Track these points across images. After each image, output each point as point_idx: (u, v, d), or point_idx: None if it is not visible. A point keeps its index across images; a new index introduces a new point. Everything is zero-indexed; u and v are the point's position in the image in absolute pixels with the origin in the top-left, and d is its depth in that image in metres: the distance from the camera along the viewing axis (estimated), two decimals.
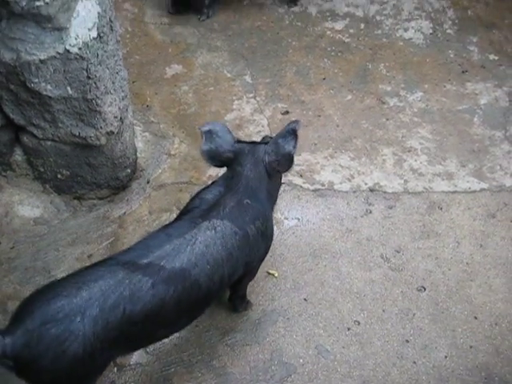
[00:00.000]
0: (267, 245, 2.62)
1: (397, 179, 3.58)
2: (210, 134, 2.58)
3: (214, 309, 2.91)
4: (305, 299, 3.00)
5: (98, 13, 2.81)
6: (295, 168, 3.51)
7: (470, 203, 3.46)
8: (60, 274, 2.94)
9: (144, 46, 4.45)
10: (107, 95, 2.97)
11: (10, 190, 3.31)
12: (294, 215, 3.36)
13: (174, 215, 2.84)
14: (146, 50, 4.42)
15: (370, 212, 3.40)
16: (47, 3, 2.56)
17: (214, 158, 2.60)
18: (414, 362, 2.79)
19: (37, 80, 2.79)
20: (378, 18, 4.78)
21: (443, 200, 3.47)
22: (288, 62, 4.37)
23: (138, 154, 3.55)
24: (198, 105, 4.01)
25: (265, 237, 2.53)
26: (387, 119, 3.96)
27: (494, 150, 3.77)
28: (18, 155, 3.24)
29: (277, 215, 3.32)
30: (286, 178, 3.43)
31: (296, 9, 4.84)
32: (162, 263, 2.16)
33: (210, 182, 2.74)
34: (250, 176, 2.50)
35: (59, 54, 2.72)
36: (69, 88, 2.84)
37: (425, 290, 3.06)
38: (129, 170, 3.40)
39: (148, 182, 3.49)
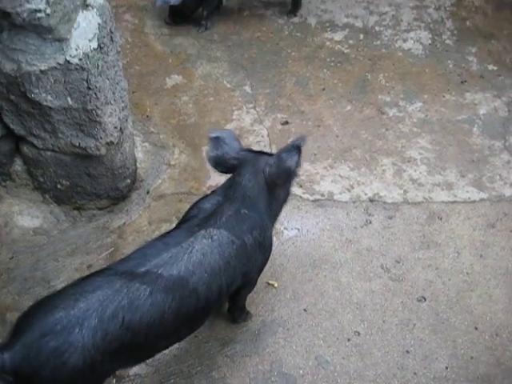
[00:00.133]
0: (265, 256, 2.61)
1: (396, 189, 3.58)
2: (217, 141, 2.59)
3: (213, 320, 2.90)
4: (304, 310, 2.99)
5: (99, 24, 2.83)
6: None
7: (470, 213, 3.46)
8: (59, 284, 2.93)
9: (144, 57, 4.47)
10: (107, 106, 2.98)
11: (10, 200, 3.31)
12: (293, 225, 3.36)
13: (174, 225, 2.84)
14: (146, 60, 4.44)
15: (370, 222, 3.40)
16: (48, 14, 2.58)
17: (220, 165, 2.62)
18: (415, 373, 2.78)
19: (37, 90, 2.80)
20: (377, 28, 4.81)
21: (443, 210, 3.47)
22: (288, 73, 4.38)
23: (138, 165, 3.55)
24: (197, 115, 4.02)
25: (262, 247, 2.53)
26: (387, 129, 3.97)
27: (493, 160, 3.78)
28: (18, 165, 3.25)
29: (276, 225, 3.30)
30: None
31: (295, 20, 4.87)
32: (159, 271, 2.16)
33: (209, 193, 2.74)
34: (248, 186, 2.50)
35: (60, 64, 2.73)
36: (69, 98, 2.85)
37: (425, 300, 3.05)
38: (128, 181, 3.40)
39: (148, 193, 3.49)
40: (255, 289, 2.82)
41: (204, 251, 2.28)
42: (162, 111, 4.04)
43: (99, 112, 2.94)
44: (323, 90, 4.26)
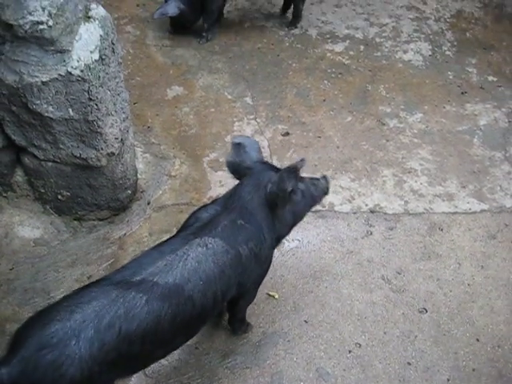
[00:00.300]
0: (262, 268, 2.59)
1: (397, 200, 3.58)
2: (238, 147, 2.62)
3: (213, 331, 2.90)
4: (305, 321, 2.98)
5: (100, 35, 2.84)
6: None
7: (471, 224, 3.45)
8: (60, 295, 2.92)
9: (145, 68, 4.49)
10: (108, 117, 2.99)
11: (11, 210, 3.31)
12: (294, 237, 3.35)
13: None
14: (148, 71, 4.46)
15: (371, 233, 3.40)
16: (50, 26, 2.59)
17: (235, 171, 2.64)
18: None
19: (39, 102, 2.81)
20: (377, 40, 4.83)
21: (444, 221, 3.46)
22: (288, 84, 4.40)
23: (139, 175, 3.56)
24: (198, 126, 4.03)
25: (259, 260, 2.50)
26: (387, 140, 3.97)
27: (494, 171, 3.78)
28: (19, 176, 3.25)
29: None
30: None
31: (296, 31, 4.90)
32: (155, 279, 2.16)
33: (210, 202, 2.74)
34: (247, 198, 2.50)
35: (61, 76, 2.74)
36: (70, 109, 2.86)
37: (426, 311, 3.04)
38: (129, 191, 3.41)
39: (148, 204, 3.49)
40: (255, 300, 2.82)
41: (199, 259, 2.28)
42: (162, 122, 4.05)
43: (100, 123, 2.95)
44: (324, 101, 4.27)
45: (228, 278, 2.37)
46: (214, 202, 2.64)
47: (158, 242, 3.20)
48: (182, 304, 2.20)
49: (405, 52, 4.71)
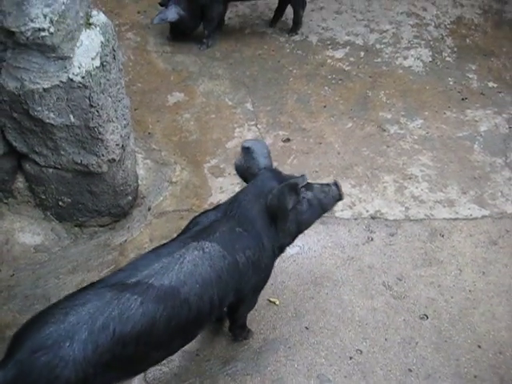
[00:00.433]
0: (260, 276, 2.57)
1: (398, 206, 3.58)
2: (247, 151, 2.62)
3: (214, 338, 2.89)
4: (306, 328, 2.97)
5: (102, 42, 2.86)
6: None
7: (472, 230, 3.45)
8: None
9: (146, 74, 4.50)
10: (109, 123, 2.99)
11: (11, 217, 3.31)
12: (295, 243, 3.30)
13: None
14: (149, 78, 4.47)
15: (372, 239, 3.39)
16: (52, 33, 2.61)
17: (242, 175, 2.65)
18: None
19: (40, 108, 2.82)
20: (377, 46, 4.84)
21: (445, 227, 3.46)
22: (289, 90, 4.41)
23: (140, 182, 3.56)
24: (199, 132, 4.04)
25: (257, 268, 2.49)
26: (388, 146, 3.98)
27: (494, 177, 3.78)
28: (20, 182, 3.25)
29: None
30: None
31: (297, 37, 4.91)
32: (150, 281, 2.16)
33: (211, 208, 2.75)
34: (247, 206, 2.49)
35: (62, 82, 2.75)
36: (71, 116, 2.87)
37: (427, 318, 3.03)
38: (130, 198, 3.41)
39: (149, 210, 3.49)
40: (256, 306, 2.81)
41: (195, 262, 2.28)
42: (163, 128, 4.06)
43: (101, 129, 2.95)
44: (324, 107, 4.28)
45: (225, 284, 2.36)
46: (216, 208, 2.64)
47: None
48: (177, 306, 2.19)
49: (405, 58, 4.72)
